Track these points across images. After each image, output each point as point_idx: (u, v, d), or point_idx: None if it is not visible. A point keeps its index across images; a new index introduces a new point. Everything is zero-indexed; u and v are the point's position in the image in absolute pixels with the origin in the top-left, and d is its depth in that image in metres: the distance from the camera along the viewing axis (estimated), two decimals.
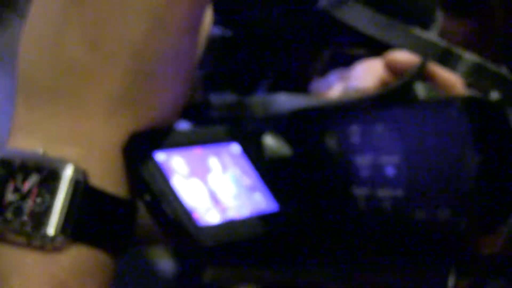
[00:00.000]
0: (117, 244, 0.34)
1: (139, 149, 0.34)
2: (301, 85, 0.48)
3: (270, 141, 0.44)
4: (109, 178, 0.33)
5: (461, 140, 0.38)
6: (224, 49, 0.46)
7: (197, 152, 0.37)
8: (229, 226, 0.36)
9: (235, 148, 0.40)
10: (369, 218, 0.42)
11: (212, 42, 0.41)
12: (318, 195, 0.44)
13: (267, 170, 0.42)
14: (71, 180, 0.31)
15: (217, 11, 0.38)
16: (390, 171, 0.41)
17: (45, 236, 0.31)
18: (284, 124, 0.44)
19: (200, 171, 0.37)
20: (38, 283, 0.32)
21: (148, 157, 0.34)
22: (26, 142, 0.32)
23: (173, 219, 0.33)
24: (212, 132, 0.40)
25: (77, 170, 0.31)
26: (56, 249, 0.31)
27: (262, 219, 0.39)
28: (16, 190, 0.31)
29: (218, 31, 0.44)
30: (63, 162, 0.31)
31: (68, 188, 0.31)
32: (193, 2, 0.32)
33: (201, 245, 0.34)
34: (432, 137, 0.39)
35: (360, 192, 0.42)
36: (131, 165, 0.33)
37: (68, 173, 0.31)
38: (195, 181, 0.36)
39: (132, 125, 0.33)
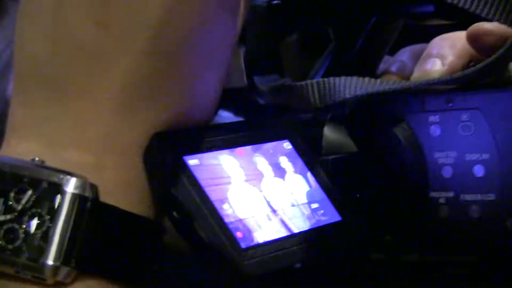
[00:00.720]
0: (137, 275, 0.28)
1: (164, 153, 0.27)
2: (367, 66, 0.41)
3: (328, 136, 0.38)
4: (125, 192, 0.27)
5: None
6: (270, 21, 0.39)
7: (240, 153, 0.31)
8: (284, 245, 0.29)
9: (286, 145, 0.34)
10: (451, 227, 0.36)
11: (256, 13, 0.36)
12: (388, 200, 0.37)
13: (325, 171, 0.35)
14: (75, 196, 0.25)
15: None
16: (478, 171, 0.35)
17: (44, 267, 0.25)
18: (346, 115, 0.38)
19: (246, 177, 0.30)
20: None
21: (176, 163, 0.27)
22: (21, 149, 0.27)
23: (208, 241, 0.27)
24: (256, 128, 0.34)
25: (83, 184, 0.25)
26: (59, 284, 0.25)
27: (323, 233, 0.32)
28: (8, 208, 0.25)
29: None
30: (65, 174, 0.25)
31: (72, 207, 0.25)
32: None
33: (246, 273, 0.27)
34: None
35: (440, 196, 0.36)
36: (153, 174, 0.27)
37: (71, 187, 0.25)
38: (241, 189, 0.30)
39: (153, 124, 0.27)
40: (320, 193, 0.33)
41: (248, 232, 0.28)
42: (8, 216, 0.25)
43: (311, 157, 0.35)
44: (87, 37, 0.26)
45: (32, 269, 0.25)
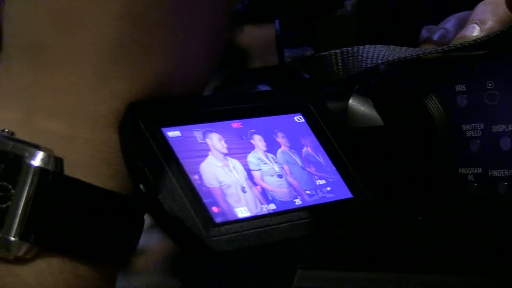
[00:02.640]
0: (106, 255, 0.26)
1: (139, 124, 0.26)
2: (401, 35, 0.38)
3: (354, 109, 0.36)
4: (97, 166, 0.26)
5: None
6: None
7: (236, 125, 0.30)
8: (267, 222, 0.28)
9: (297, 119, 0.32)
10: (479, 204, 0.34)
11: None
12: (413, 177, 0.35)
13: (345, 145, 0.33)
14: (37, 170, 0.24)
15: None
16: (505, 144, 0.32)
17: (5, 242, 0.24)
18: (371, 85, 0.36)
19: (231, 150, 0.29)
20: None
21: (153, 135, 0.26)
22: None
23: (173, 215, 0.25)
24: (268, 100, 0.32)
25: (46, 157, 0.25)
26: (19, 261, 0.25)
27: (324, 210, 0.30)
28: None
29: None
30: (30, 146, 0.25)
31: (33, 180, 0.24)
32: None
33: (213, 250, 0.25)
34: None
35: (468, 172, 0.33)
36: (128, 147, 0.26)
37: (34, 160, 0.24)
38: (225, 163, 0.28)
39: (130, 93, 0.26)
40: (330, 170, 0.32)
41: (227, 207, 0.27)
42: None
43: (325, 132, 0.33)
44: (63, 2, 0.26)
45: None
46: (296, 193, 0.30)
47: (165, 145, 0.26)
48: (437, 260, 0.36)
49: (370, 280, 0.37)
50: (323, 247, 0.38)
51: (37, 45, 0.26)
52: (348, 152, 0.33)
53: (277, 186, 0.29)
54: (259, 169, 0.29)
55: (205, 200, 0.26)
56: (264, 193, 0.29)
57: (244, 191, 0.28)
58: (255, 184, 0.29)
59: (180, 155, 0.26)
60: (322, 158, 0.32)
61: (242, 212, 0.27)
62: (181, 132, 0.27)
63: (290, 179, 0.30)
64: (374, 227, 0.34)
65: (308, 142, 0.32)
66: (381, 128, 0.35)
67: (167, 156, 0.26)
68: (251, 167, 0.29)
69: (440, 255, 0.36)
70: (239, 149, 0.29)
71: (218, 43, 0.29)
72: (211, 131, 0.29)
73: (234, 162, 0.29)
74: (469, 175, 0.33)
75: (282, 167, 0.30)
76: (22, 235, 0.24)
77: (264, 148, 0.30)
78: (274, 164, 0.30)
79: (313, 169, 0.31)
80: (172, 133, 0.27)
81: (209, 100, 0.31)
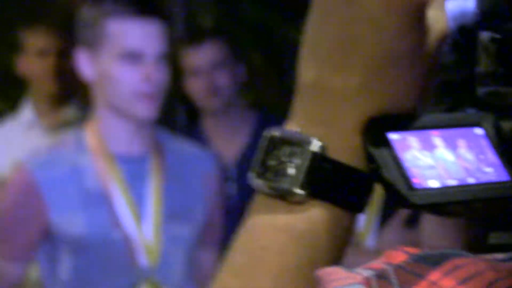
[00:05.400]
0: (351, 204, 0.44)
1: (373, 130, 0.42)
2: None
3: None
4: (346, 152, 0.43)
5: None
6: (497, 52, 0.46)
7: (433, 134, 0.43)
8: (447, 191, 0.41)
9: (477, 131, 0.43)
10: None
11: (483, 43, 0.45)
12: None
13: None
14: (313, 153, 0.42)
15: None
16: None
17: (290, 191, 0.42)
18: None
19: (427, 147, 0.42)
20: (278, 226, 0.44)
21: (379, 136, 0.42)
22: (291, 124, 0.44)
23: (388, 182, 0.40)
24: (453, 118, 0.45)
25: (318, 145, 0.42)
26: (298, 203, 0.43)
27: (487, 187, 0.41)
28: (276, 157, 0.43)
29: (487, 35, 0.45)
30: (309, 138, 0.43)
31: (309, 157, 0.42)
32: (408, 8, 0.41)
33: (412, 203, 0.40)
34: None
35: None
36: (365, 141, 0.42)
37: (311, 147, 0.42)
38: (422, 155, 0.42)
39: (373, 111, 0.42)
40: (498, 167, 0.42)
41: (423, 179, 0.41)
42: (276, 162, 0.43)
43: (504, 148, 0.43)
44: (333, 54, 0.42)
45: (284, 192, 0.42)
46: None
47: (387, 142, 0.41)
48: None
49: None
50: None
51: (315, 83, 0.43)
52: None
53: (457, 172, 0.42)
54: (444, 161, 0.42)
55: (408, 174, 0.40)
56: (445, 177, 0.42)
57: (441, 174, 0.42)
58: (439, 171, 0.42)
59: (395, 147, 0.41)
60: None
61: (433, 183, 0.41)
62: (398, 135, 0.42)
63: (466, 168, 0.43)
64: None
65: (485, 150, 0.43)
66: None
67: (388, 148, 0.41)
68: (438, 159, 0.42)
69: None
70: (428, 147, 0.43)
71: (421, 74, 0.43)
72: (419, 134, 0.43)
73: (423, 155, 0.42)
74: None
75: (464, 161, 0.42)
76: (302, 187, 0.41)
77: (445, 146, 0.43)
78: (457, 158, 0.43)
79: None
80: (393, 136, 0.42)
81: (418, 116, 0.45)
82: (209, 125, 2.71)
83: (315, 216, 0.43)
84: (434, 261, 0.38)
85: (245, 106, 2.84)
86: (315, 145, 0.43)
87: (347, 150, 0.43)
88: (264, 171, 0.44)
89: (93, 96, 1.98)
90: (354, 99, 0.43)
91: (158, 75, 1.89)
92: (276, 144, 0.44)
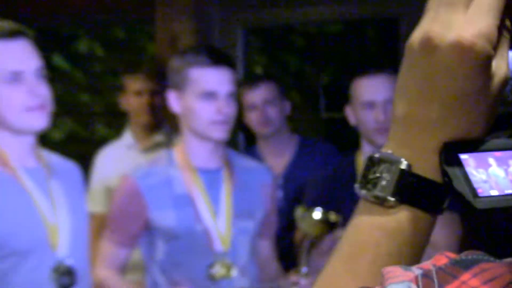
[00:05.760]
0: (430, 208, 0.49)
1: (447, 152, 0.47)
2: None
3: None
4: (427, 169, 0.48)
5: None
6: None
7: (492, 155, 0.48)
8: (504, 198, 0.46)
9: None
10: None
11: None
12: None
13: None
14: (401, 169, 0.48)
15: None
16: None
17: (384, 198, 0.48)
18: None
19: (486, 166, 0.47)
20: (375, 225, 0.48)
21: (453, 156, 0.47)
22: (387, 147, 0.50)
23: (458, 192, 0.45)
24: (509, 143, 0.49)
25: (405, 163, 0.48)
26: (390, 207, 0.48)
27: None
28: (375, 172, 0.49)
29: None
30: (399, 158, 0.48)
31: (398, 173, 0.48)
32: (477, 59, 0.45)
33: (475, 207, 0.45)
34: None
35: None
36: (441, 162, 0.47)
37: (400, 164, 0.48)
38: (484, 171, 0.47)
39: (445, 137, 0.47)
40: None
41: (485, 189, 0.46)
42: (374, 176, 0.48)
43: None
44: (420, 110, 0.47)
45: (379, 198, 0.48)
46: None
47: (458, 161, 0.46)
48: None
49: None
50: None
51: (405, 118, 0.49)
52: None
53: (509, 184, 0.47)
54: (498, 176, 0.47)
55: (475, 186, 0.45)
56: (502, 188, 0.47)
57: (499, 183, 0.47)
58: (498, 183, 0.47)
59: (464, 165, 0.46)
60: None
61: (494, 192, 0.46)
62: (466, 156, 0.47)
63: None
64: None
65: None
66: None
67: (459, 166, 0.46)
68: (494, 174, 0.47)
69: None
70: (485, 165, 0.47)
71: (494, 114, 0.49)
72: (483, 155, 0.48)
73: (489, 172, 0.47)
74: None
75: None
76: (393, 195, 0.48)
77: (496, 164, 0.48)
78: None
79: None
80: (462, 156, 0.47)
81: (483, 141, 0.49)
82: (263, 147, 3.03)
83: (403, 217, 0.48)
84: (467, 264, 0.42)
85: (288, 132, 3.07)
86: (403, 164, 0.48)
87: (427, 167, 0.48)
88: (366, 183, 0.49)
89: (179, 124, 2.24)
90: (433, 128, 0.47)
91: (228, 108, 2.13)
92: (374, 162, 0.49)
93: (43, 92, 1.82)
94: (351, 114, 2.38)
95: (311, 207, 2.30)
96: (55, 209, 1.90)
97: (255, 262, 2.33)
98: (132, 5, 3.45)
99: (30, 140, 1.85)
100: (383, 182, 0.48)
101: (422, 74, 0.47)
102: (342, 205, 2.21)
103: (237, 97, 2.32)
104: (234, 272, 2.23)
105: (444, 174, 0.46)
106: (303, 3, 3.25)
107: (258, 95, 2.94)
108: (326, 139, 3.69)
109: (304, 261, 2.24)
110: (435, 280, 0.41)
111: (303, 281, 2.18)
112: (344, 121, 2.51)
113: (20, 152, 1.86)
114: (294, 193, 2.74)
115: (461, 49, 0.45)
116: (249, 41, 3.69)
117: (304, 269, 2.21)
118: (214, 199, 2.25)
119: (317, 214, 2.24)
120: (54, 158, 2.01)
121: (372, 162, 0.49)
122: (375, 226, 0.49)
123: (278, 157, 3.04)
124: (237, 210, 2.27)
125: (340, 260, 0.51)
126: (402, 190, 0.48)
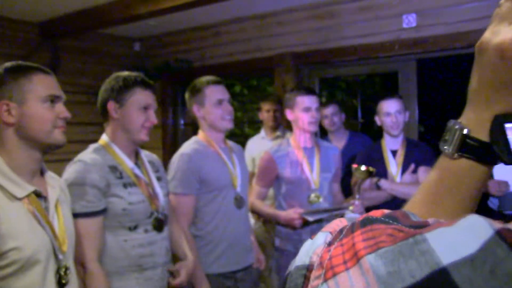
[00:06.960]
0: (484, 160, 0.62)
1: (496, 121, 0.58)
2: None
3: None
4: (481, 133, 0.62)
5: None
6: None
7: None
8: None
9: None
10: None
11: None
12: None
13: None
14: (462, 133, 0.62)
15: None
16: None
17: (450, 152, 0.63)
18: None
19: None
20: (446, 170, 0.63)
21: (499, 125, 0.58)
22: (461, 118, 0.64)
23: (497, 151, 0.58)
24: None
25: (466, 129, 0.62)
26: (455, 159, 0.64)
27: None
28: (448, 135, 0.64)
29: None
30: (463, 126, 0.63)
31: (460, 136, 0.62)
32: None
33: (509, 162, 0.56)
34: None
35: None
36: (490, 128, 0.59)
37: (463, 131, 0.62)
38: None
39: (496, 111, 0.59)
40: None
41: None
42: (448, 137, 0.63)
43: None
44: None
45: (448, 152, 0.64)
46: None
47: (503, 129, 0.59)
48: None
49: None
50: None
51: (473, 95, 0.64)
52: None
53: None
54: None
55: (510, 147, 0.56)
56: None
57: None
58: None
59: (507, 131, 0.58)
60: None
61: None
62: (511, 125, 0.58)
63: None
64: None
65: None
66: None
67: (502, 132, 0.57)
68: None
69: None
70: None
71: None
72: None
73: None
74: None
75: None
76: (456, 150, 0.63)
77: None
78: None
79: None
80: (507, 125, 0.58)
81: None
82: (331, 136, 4.22)
83: (463, 165, 0.62)
84: (365, 223, 0.50)
85: (343, 129, 4.26)
86: (464, 130, 0.60)
87: (481, 133, 0.60)
88: (444, 142, 0.63)
89: (292, 125, 3.16)
90: (488, 105, 0.59)
91: (316, 116, 3.05)
92: (449, 128, 0.62)
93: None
94: (377, 119, 3.36)
95: (359, 164, 3.24)
96: (235, 167, 2.83)
97: (331, 194, 3.22)
98: (261, 66, 4.96)
99: (222, 134, 2.78)
100: (451, 141, 0.63)
101: (479, 68, 0.61)
102: (374, 164, 3.25)
103: (319, 110, 3.20)
104: (321, 199, 3.16)
105: (491, 137, 0.59)
106: (348, 65, 4.69)
107: (328, 110, 4.22)
108: (363, 132, 4.80)
109: (357, 193, 3.14)
110: (343, 233, 0.50)
111: (356, 202, 3.07)
112: (373, 122, 3.47)
113: (218, 140, 2.78)
114: (348, 160, 3.88)
115: (501, 50, 0.56)
116: (321, 84, 5.04)
117: (357, 196, 3.12)
118: (311, 163, 3.17)
119: (363, 167, 3.16)
120: (232, 143, 2.93)
121: (448, 128, 0.64)
122: (446, 170, 0.64)
123: (339, 142, 4.21)
124: (322, 168, 3.18)
125: (420, 194, 0.66)
126: (463, 147, 0.62)
